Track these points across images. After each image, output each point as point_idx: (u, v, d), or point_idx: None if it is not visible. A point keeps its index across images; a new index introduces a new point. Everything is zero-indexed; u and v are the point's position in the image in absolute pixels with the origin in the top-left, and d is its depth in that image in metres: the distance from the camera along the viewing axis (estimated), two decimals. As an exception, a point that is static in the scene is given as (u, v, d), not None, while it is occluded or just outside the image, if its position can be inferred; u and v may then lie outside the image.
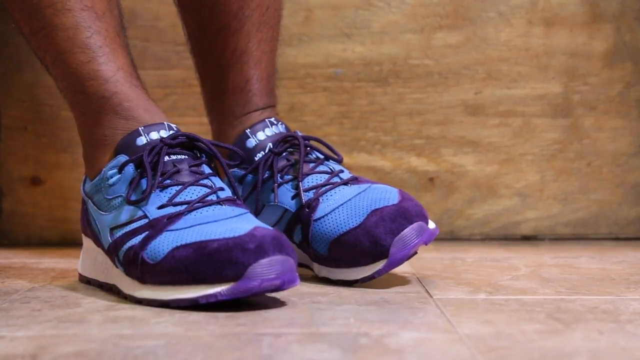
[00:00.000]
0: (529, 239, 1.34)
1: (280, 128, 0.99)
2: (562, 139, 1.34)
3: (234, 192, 0.88)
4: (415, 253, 0.91)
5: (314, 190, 0.94)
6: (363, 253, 0.89)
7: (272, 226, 0.95)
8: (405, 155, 1.33)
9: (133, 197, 0.85)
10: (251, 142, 0.98)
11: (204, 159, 0.88)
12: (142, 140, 0.87)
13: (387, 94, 1.34)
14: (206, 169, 0.87)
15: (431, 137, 1.34)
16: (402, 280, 0.93)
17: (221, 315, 0.76)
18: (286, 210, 0.95)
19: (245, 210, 0.84)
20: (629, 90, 1.34)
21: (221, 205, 0.84)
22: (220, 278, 0.77)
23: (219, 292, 0.77)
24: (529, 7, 1.34)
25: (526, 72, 1.34)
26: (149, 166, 0.85)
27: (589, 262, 1.09)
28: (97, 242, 0.88)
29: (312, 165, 0.96)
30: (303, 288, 0.88)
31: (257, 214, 0.96)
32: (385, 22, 1.33)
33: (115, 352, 0.63)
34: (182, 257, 0.78)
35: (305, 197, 0.94)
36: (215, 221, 0.81)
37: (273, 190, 0.95)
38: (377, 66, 1.33)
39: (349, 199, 0.93)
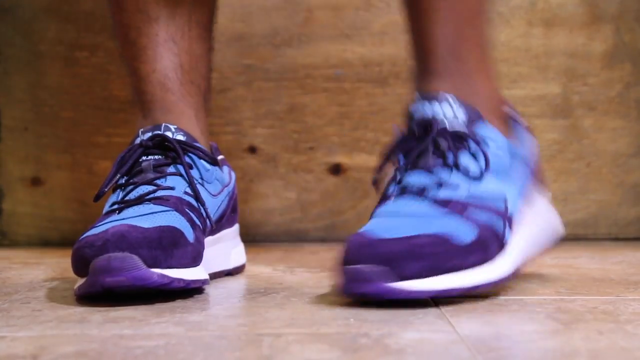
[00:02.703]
0: (528, 239, 1.34)
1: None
2: (561, 139, 1.34)
3: (194, 191, 0.89)
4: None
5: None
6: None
7: None
8: (405, 155, 1.33)
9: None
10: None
11: (186, 159, 0.91)
12: (137, 142, 0.91)
13: (387, 95, 1.34)
14: (172, 169, 0.90)
15: (431, 137, 1.34)
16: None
17: (221, 315, 0.76)
18: None
19: (163, 209, 0.85)
20: (628, 91, 1.34)
21: (149, 203, 0.86)
22: (81, 273, 0.82)
23: (77, 287, 0.82)
24: (528, 8, 1.34)
25: (526, 72, 1.34)
26: (115, 167, 0.89)
27: (588, 262, 1.09)
28: None
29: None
30: (303, 288, 0.89)
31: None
32: (385, 22, 1.33)
33: (116, 352, 0.63)
34: (73, 251, 0.83)
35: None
36: (122, 219, 0.84)
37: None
38: (377, 67, 1.33)
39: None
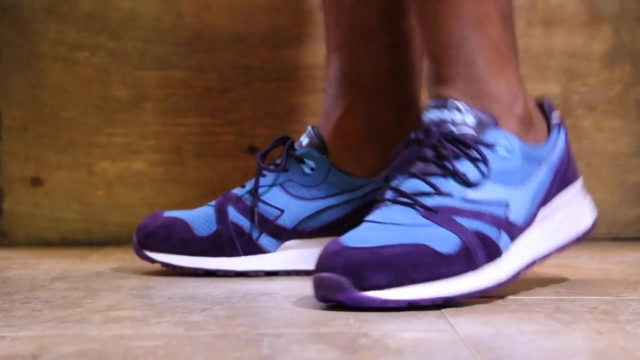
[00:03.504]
0: (528, 239, 1.34)
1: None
2: (561, 139, 1.34)
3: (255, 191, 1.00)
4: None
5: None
6: None
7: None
8: (404, 155, 1.33)
9: None
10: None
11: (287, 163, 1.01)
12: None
13: (386, 95, 1.33)
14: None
15: (431, 137, 1.34)
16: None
17: (221, 315, 0.76)
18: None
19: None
20: (627, 91, 1.34)
21: None
22: None
23: None
24: (528, 8, 1.34)
25: (525, 72, 1.33)
26: None
27: (588, 262, 1.09)
28: None
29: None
30: (303, 289, 0.89)
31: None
32: (385, 22, 1.33)
33: (116, 352, 0.63)
34: None
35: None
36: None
37: None
38: (376, 67, 1.33)
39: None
